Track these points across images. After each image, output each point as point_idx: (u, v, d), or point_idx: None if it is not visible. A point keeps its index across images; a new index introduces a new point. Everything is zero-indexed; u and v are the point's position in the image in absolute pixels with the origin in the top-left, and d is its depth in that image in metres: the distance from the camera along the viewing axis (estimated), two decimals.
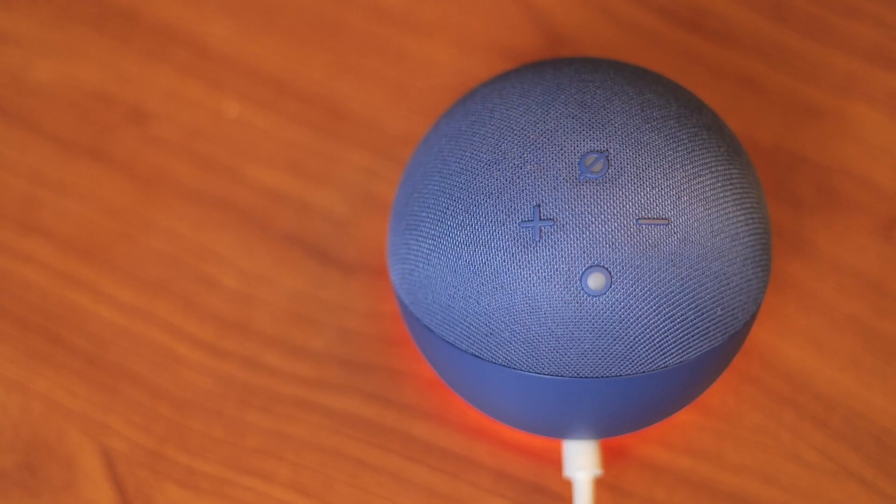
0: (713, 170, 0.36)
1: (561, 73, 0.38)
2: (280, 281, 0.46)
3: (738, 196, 0.37)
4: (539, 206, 0.35)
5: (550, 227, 0.35)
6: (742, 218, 0.37)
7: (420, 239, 0.37)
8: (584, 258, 0.35)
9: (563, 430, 0.39)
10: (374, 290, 0.46)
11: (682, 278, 0.35)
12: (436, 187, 0.37)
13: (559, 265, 0.35)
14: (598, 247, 0.35)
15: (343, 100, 0.49)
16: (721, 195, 0.36)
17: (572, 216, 0.35)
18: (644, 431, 0.43)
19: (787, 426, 0.43)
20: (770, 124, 0.48)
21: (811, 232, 0.46)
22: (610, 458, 0.43)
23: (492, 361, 0.37)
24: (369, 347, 0.45)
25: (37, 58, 0.50)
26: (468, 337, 0.37)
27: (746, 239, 0.37)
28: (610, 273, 0.35)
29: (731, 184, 0.37)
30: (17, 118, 0.49)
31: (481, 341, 0.36)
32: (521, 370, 0.36)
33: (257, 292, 0.46)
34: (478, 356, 0.37)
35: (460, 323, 0.37)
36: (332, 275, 0.46)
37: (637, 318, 0.35)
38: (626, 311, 0.35)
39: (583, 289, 0.35)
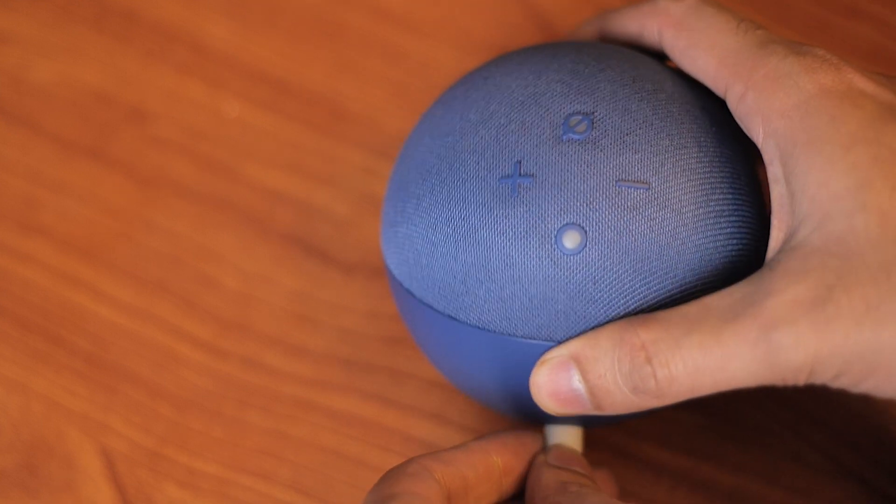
0: (702, 145, 0.36)
1: (559, 47, 0.38)
2: (280, 281, 0.46)
3: (727, 175, 0.36)
4: (520, 162, 0.35)
5: (529, 183, 0.35)
6: (730, 196, 0.36)
7: (406, 199, 0.37)
8: (560, 216, 0.35)
9: (540, 410, 0.38)
10: (374, 290, 0.46)
11: (661, 246, 0.35)
12: (425, 148, 0.37)
13: (535, 222, 0.35)
14: (575, 205, 0.35)
15: (343, 100, 0.49)
16: (708, 170, 0.36)
17: (552, 173, 0.35)
18: (644, 431, 0.43)
19: (787, 426, 0.43)
20: None
21: None
22: (610, 458, 0.43)
23: (466, 323, 0.36)
24: (369, 347, 0.45)
25: (37, 58, 0.50)
26: (445, 297, 0.36)
27: (733, 218, 0.36)
28: (586, 232, 0.35)
29: (719, 161, 0.36)
30: (17, 118, 0.49)
31: (457, 300, 0.36)
32: (494, 332, 0.36)
33: (257, 292, 0.46)
34: (454, 318, 0.36)
35: (438, 282, 0.36)
36: (332, 275, 0.46)
37: (611, 282, 0.35)
38: (600, 272, 0.35)
39: (557, 247, 0.35)
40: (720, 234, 0.36)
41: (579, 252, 0.35)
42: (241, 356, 0.45)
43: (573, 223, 0.35)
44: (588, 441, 0.43)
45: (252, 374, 0.45)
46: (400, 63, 0.50)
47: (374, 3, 0.51)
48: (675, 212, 0.35)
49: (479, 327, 0.36)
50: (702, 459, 0.43)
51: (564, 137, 0.35)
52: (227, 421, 0.44)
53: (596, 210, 0.35)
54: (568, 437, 0.40)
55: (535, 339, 0.36)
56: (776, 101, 0.35)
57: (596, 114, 0.36)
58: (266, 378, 0.45)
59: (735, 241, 0.36)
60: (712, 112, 0.37)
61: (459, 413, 0.44)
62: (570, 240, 0.35)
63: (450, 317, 0.37)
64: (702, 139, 0.36)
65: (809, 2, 0.50)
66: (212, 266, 0.46)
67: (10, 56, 0.50)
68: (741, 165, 0.37)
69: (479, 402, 0.41)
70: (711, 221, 0.36)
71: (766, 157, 0.35)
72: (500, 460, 0.37)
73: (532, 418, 0.39)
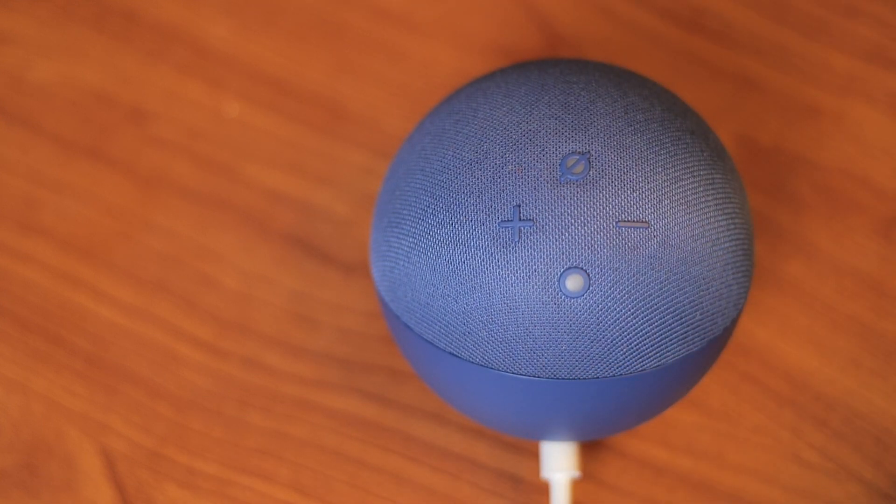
0: (695, 174, 0.36)
1: (546, 73, 0.38)
2: (280, 281, 0.46)
3: (720, 201, 0.37)
4: (519, 206, 0.35)
5: (530, 227, 0.35)
6: (723, 223, 0.37)
7: (401, 236, 0.37)
8: (562, 259, 0.35)
9: (539, 431, 0.39)
10: (373, 290, 0.46)
11: (661, 282, 0.35)
12: (418, 185, 0.37)
13: (537, 266, 0.35)
14: (577, 248, 0.35)
15: (343, 100, 0.49)
16: (702, 199, 0.36)
17: (552, 217, 0.35)
18: (644, 432, 0.43)
19: (787, 426, 0.43)
20: (770, 124, 0.48)
21: (811, 232, 0.46)
22: (609, 457, 0.43)
23: (469, 360, 0.36)
24: (369, 347, 0.45)
25: (37, 58, 0.50)
26: (446, 335, 0.37)
27: (727, 244, 0.37)
28: (588, 275, 0.35)
29: (713, 188, 0.37)
30: (17, 118, 0.49)
31: (459, 340, 0.36)
32: (497, 370, 0.36)
33: (257, 292, 0.46)
34: (455, 355, 0.37)
35: (438, 321, 0.37)
36: (332, 275, 0.46)
37: (615, 321, 0.35)
38: (603, 313, 0.35)
39: (561, 290, 0.35)
40: (717, 262, 0.36)
41: (582, 295, 0.35)
42: (241, 356, 0.45)
43: (576, 267, 0.35)
44: (587, 441, 0.43)
45: (252, 374, 0.45)
46: (400, 63, 0.50)
47: (374, 3, 0.51)
48: (674, 247, 0.36)
49: (481, 365, 0.36)
50: (702, 459, 0.43)
51: (563, 179, 0.35)
52: (227, 421, 0.44)
53: (597, 253, 0.35)
54: (563, 453, 0.40)
55: (538, 377, 0.36)
56: None
57: (592, 152, 0.36)
58: (266, 378, 0.45)
59: (730, 267, 0.37)
60: (700, 133, 0.38)
61: (459, 413, 0.44)
62: (574, 283, 0.35)
63: (451, 354, 0.37)
64: (694, 168, 0.37)
65: (809, 2, 0.50)
66: (212, 266, 0.46)
67: (10, 56, 0.50)
68: (729, 187, 0.37)
69: (475, 421, 0.41)
70: (708, 251, 0.36)
71: None
72: None
73: (529, 437, 0.39)
